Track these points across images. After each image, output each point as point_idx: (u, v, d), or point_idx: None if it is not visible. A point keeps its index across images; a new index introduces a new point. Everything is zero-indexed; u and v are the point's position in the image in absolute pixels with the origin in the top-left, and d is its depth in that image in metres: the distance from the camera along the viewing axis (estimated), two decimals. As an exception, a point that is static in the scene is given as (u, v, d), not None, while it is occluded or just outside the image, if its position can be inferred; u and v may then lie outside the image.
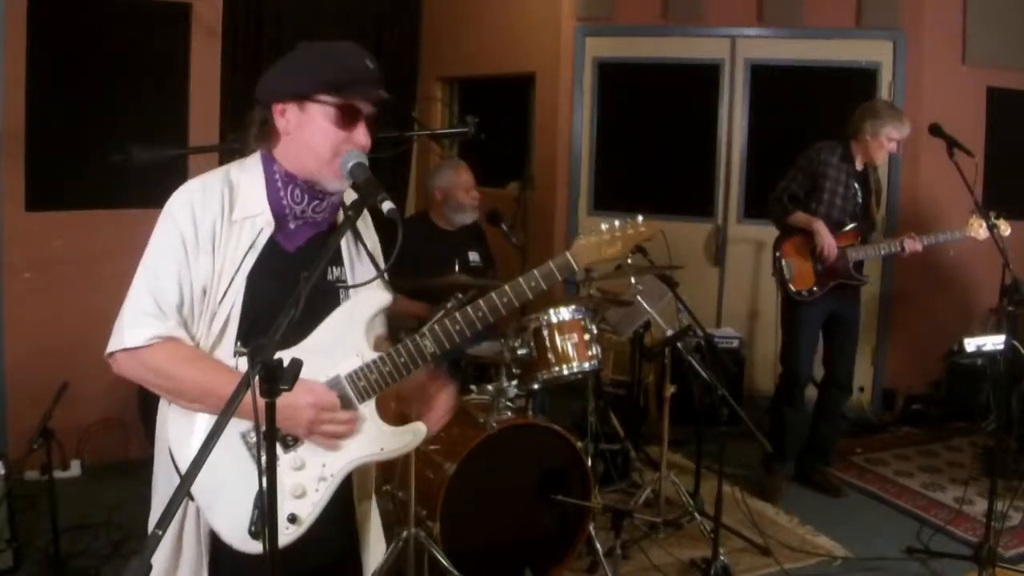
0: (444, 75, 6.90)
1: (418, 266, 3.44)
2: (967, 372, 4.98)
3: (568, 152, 5.77)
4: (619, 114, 5.72)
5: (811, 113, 5.16)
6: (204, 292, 1.61)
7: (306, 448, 1.65)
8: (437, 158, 6.33)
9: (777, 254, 4.20)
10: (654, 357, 4.31)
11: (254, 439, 1.58)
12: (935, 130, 3.57)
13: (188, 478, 1.22)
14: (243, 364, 1.50)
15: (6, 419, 3.95)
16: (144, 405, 4.16)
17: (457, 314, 1.71)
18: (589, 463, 3.30)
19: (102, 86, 4.06)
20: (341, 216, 1.75)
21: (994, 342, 3.50)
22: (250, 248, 1.63)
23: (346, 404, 1.66)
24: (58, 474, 3.45)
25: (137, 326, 1.57)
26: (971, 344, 3.53)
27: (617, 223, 1.81)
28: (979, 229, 3.97)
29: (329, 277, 1.72)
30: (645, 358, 4.46)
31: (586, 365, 3.32)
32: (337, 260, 1.74)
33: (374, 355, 1.68)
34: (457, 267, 3.71)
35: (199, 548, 1.66)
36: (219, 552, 1.64)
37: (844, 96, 5.21)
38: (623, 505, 3.68)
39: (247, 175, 1.68)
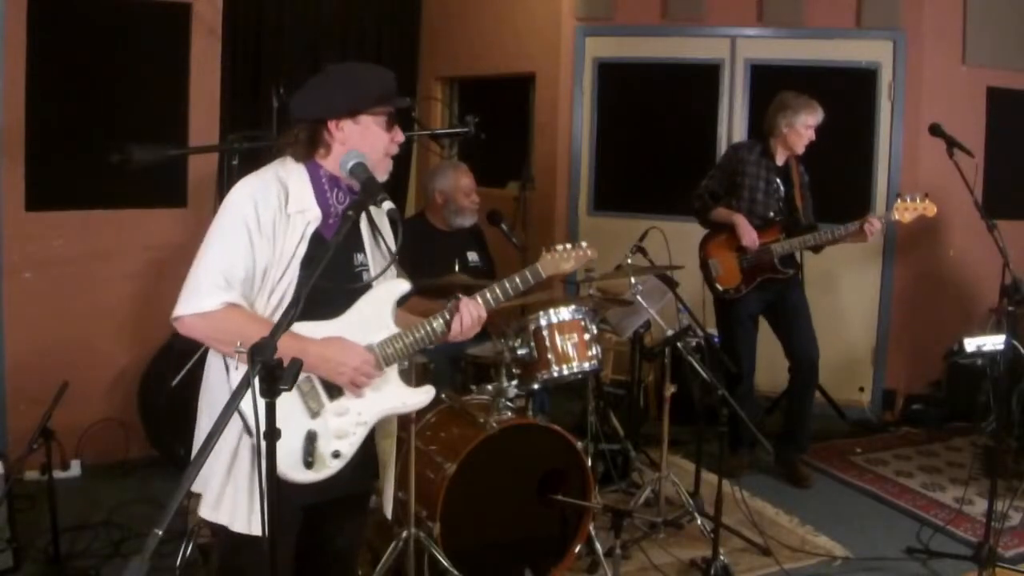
0: (444, 75, 6.90)
1: (417, 266, 3.43)
2: (967, 372, 4.97)
3: (568, 152, 5.77)
4: (619, 114, 5.71)
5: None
6: (265, 272, 1.95)
7: (347, 398, 2.03)
8: (437, 158, 6.32)
9: (703, 254, 4.25)
10: (654, 357, 4.31)
11: (307, 387, 1.98)
12: (935, 130, 3.57)
13: (196, 464, 1.40)
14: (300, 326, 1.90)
15: (6, 419, 3.95)
16: (144, 405, 4.16)
17: None
18: (589, 463, 3.30)
19: (102, 86, 4.06)
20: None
21: (994, 342, 3.49)
22: (301, 239, 1.98)
23: (377, 366, 2.06)
24: (58, 474, 3.44)
25: (210, 295, 1.90)
26: (971, 344, 3.52)
27: (569, 245, 2.45)
28: (904, 212, 3.99)
29: (355, 263, 2.09)
30: (645, 358, 4.46)
31: (586, 365, 3.31)
32: (360, 247, 2.12)
33: (397, 330, 2.09)
34: (457, 267, 3.71)
35: (253, 474, 1.94)
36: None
37: (844, 96, 5.23)
38: (623, 505, 3.68)
39: (293, 176, 2.02)
